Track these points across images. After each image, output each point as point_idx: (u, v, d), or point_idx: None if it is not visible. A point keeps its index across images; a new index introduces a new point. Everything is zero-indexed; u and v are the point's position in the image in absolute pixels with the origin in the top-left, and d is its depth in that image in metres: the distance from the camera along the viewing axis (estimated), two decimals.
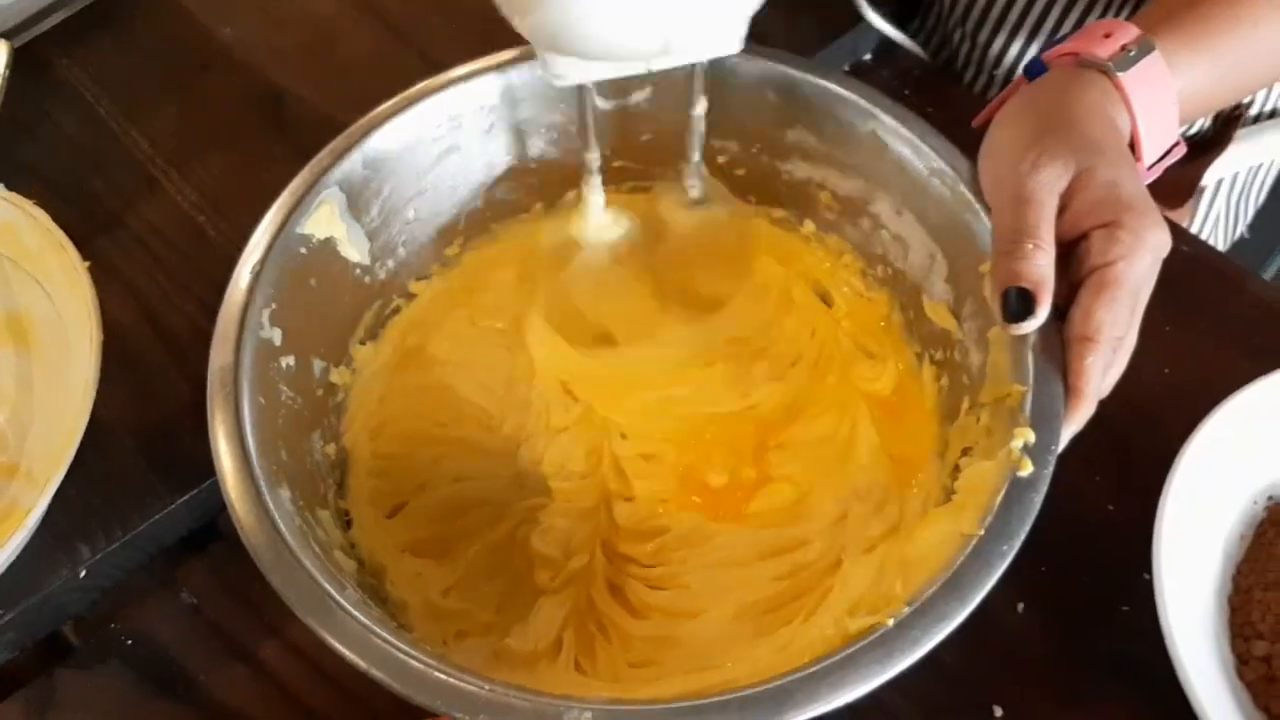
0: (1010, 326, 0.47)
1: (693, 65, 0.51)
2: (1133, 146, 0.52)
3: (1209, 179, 0.81)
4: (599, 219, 0.57)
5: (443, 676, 0.41)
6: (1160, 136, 0.53)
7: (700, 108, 0.53)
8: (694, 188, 0.58)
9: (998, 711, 0.53)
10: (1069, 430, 0.47)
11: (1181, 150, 0.56)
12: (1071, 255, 0.48)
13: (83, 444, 0.52)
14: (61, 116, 0.74)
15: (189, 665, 0.55)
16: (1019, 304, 0.46)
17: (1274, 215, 0.92)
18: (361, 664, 0.42)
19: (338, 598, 0.43)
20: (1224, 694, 0.50)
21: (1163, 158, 0.55)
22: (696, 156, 0.56)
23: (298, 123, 0.74)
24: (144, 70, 0.77)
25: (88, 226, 0.61)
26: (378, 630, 0.42)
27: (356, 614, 0.43)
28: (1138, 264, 0.46)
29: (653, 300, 0.60)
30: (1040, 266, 0.46)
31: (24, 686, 0.55)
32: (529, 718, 0.40)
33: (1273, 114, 0.81)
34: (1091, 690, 0.53)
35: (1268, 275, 0.91)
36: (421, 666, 0.41)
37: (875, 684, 0.41)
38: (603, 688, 0.49)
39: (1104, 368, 0.47)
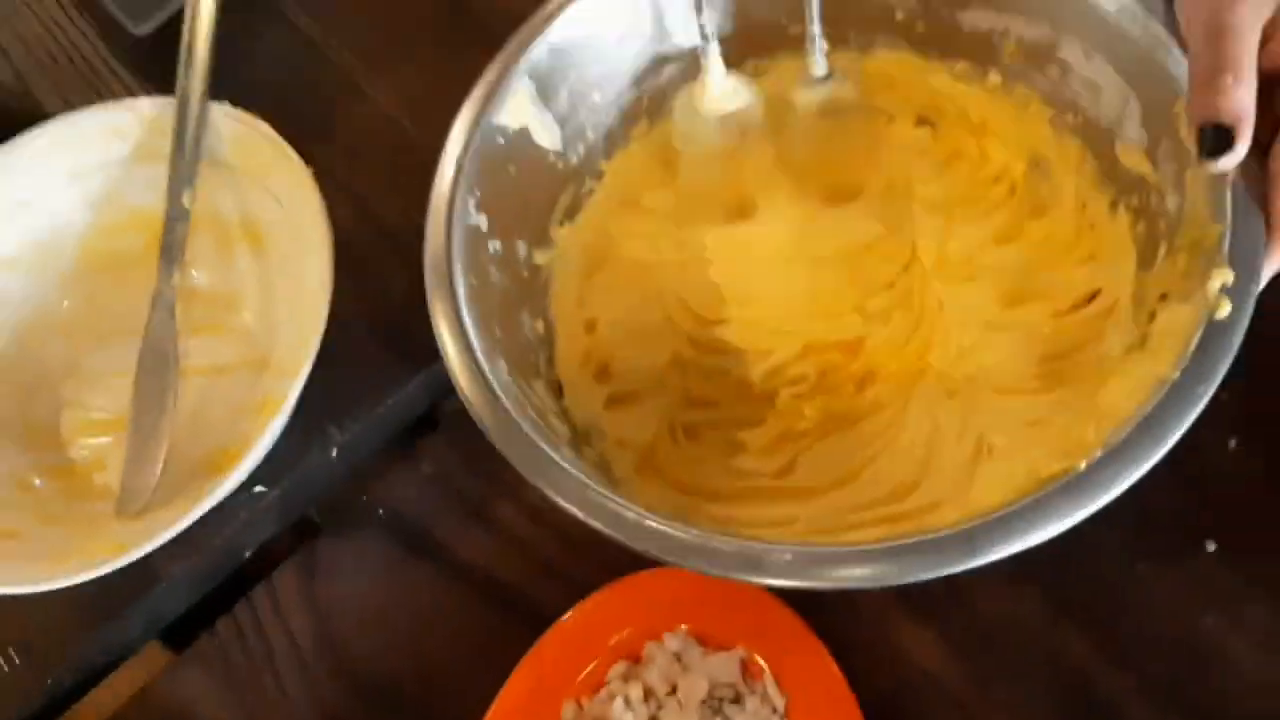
0: (1208, 163, 0.45)
1: None
2: None
3: None
4: (721, 87, 0.58)
5: (653, 524, 0.44)
6: None
7: None
8: (817, 65, 0.57)
9: (1210, 546, 0.53)
10: (1270, 268, 0.46)
11: None
12: (1273, 91, 0.46)
13: (324, 336, 0.58)
14: (270, 36, 0.79)
15: (436, 529, 0.61)
16: (1216, 139, 0.45)
17: None
18: (580, 514, 0.45)
19: (554, 456, 0.47)
20: None
21: None
22: (816, 29, 0.55)
23: (487, 20, 0.76)
24: None
25: (302, 136, 0.65)
26: (593, 485, 0.46)
27: (573, 470, 0.47)
28: None
29: (784, 177, 0.61)
30: (1239, 100, 0.45)
31: (294, 554, 0.62)
32: (734, 559, 0.43)
33: None
34: None
35: None
36: (634, 516, 0.45)
37: (1065, 526, 0.42)
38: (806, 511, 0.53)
39: None
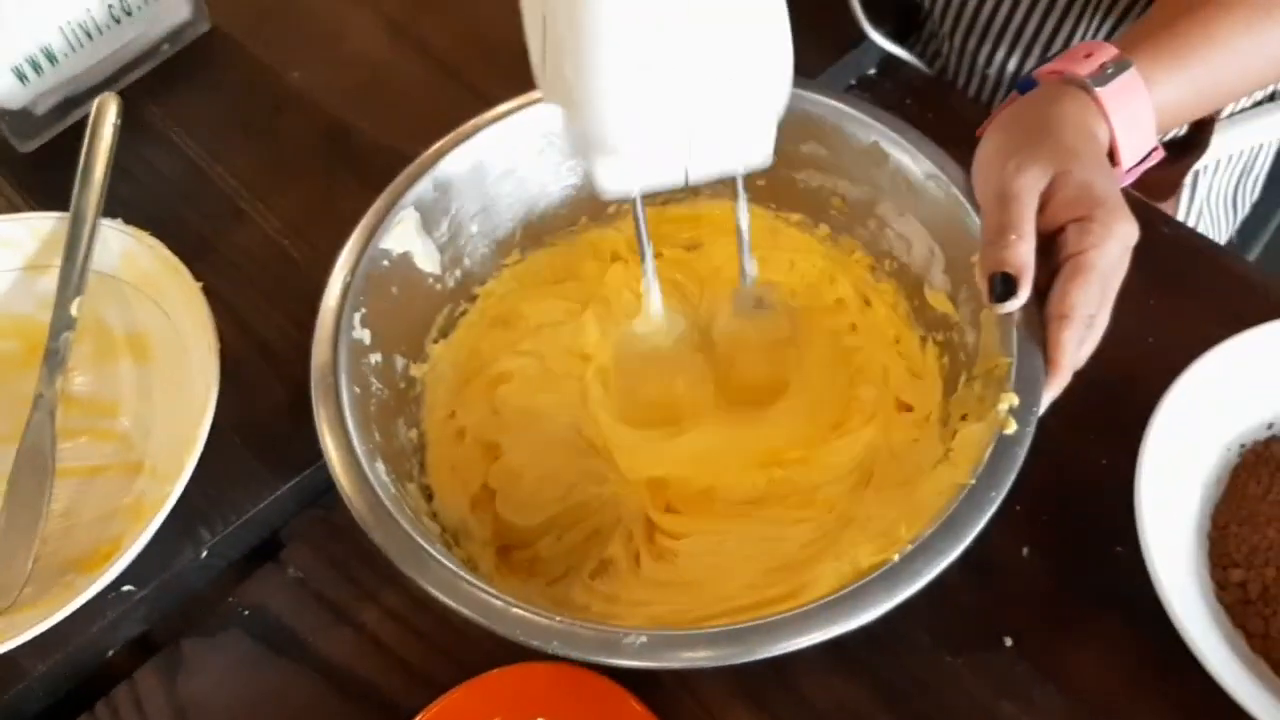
0: (996, 306, 0.54)
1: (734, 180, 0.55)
2: (1111, 154, 0.59)
3: (1197, 168, 0.87)
4: (656, 319, 0.61)
5: (520, 612, 0.49)
6: (1137, 143, 0.60)
7: (744, 215, 0.57)
8: (747, 295, 0.62)
9: (1008, 641, 0.60)
10: (1048, 396, 0.54)
11: (1160, 155, 0.62)
12: (1050, 246, 0.55)
13: None
14: (155, 158, 0.82)
15: (299, 630, 0.63)
16: (1003, 287, 0.54)
17: (1266, 203, 0.98)
18: (452, 604, 0.50)
19: (430, 550, 0.51)
20: (1205, 616, 0.57)
21: (1141, 162, 0.61)
22: (748, 265, 0.59)
23: (363, 153, 0.82)
24: (224, 113, 0.86)
25: (186, 254, 0.68)
26: (464, 576, 0.50)
27: (446, 563, 0.51)
28: (1107, 251, 0.53)
29: (711, 388, 0.65)
30: (1021, 254, 0.54)
31: (156, 654, 0.63)
32: (594, 642, 0.48)
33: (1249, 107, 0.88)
34: (1090, 621, 0.60)
35: (1252, 256, 0.97)
36: (501, 604, 0.49)
37: (885, 609, 0.48)
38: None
39: (1078, 342, 0.54)
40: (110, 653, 0.64)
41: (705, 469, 0.62)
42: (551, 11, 0.47)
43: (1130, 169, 0.61)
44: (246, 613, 0.64)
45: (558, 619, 0.48)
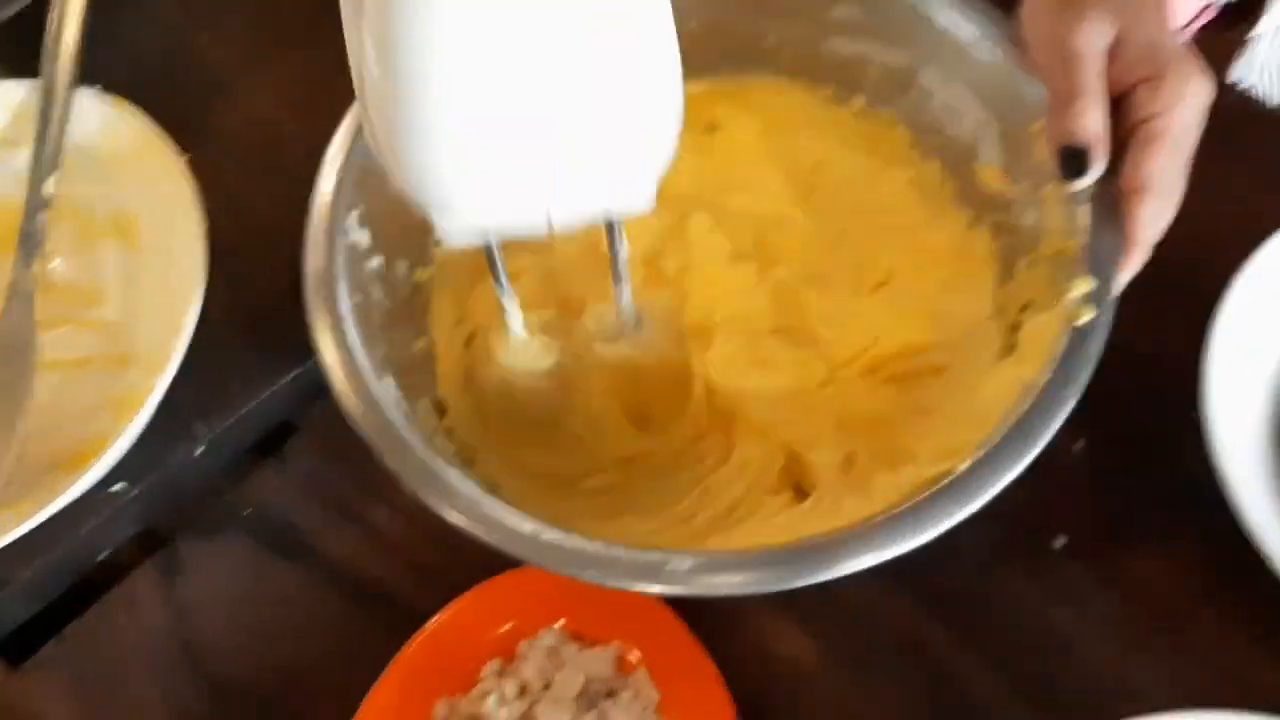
0: (1068, 183, 0.49)
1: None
2: None
3: (1256, 33, 0.81)
4: (526, 351, 0.55)
5: (550, 538, 0.44)
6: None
7: (622, 256, 0.47)
8: (624, 324, 0.54)
9: (1059, 542, 0.56)
10: (1124, 276, 0.49)
11: (1212, 13, 0.56)
12: (1118, 109, 0.49)
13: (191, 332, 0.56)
14: (140, 26, 0.77)
15: (303, 529, 0.60)
16: (1075, 161, 0.48)
17: None
18: (479, 533, 0.45)
19: (449, 474, 0.47)
20: (1275, 515, 0.53)
21: (1193, 20, 0.56)
22: (625, 299, 0.51)
23: None
24: None
25: (172, 130, 0.63)
26: (487, 500, 0.46)
27: (467, 487, 0.46)
28: (1182, 114, 0.48)
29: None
30: (1094, 123, 0.48)
31: (150, 557, 0.60)
32: (633, 569, 0.44)
33: None
34: (1150, 520, 0.57)
35: None
36: (531, 530, 0.45)
37: (949, 525, 0.44)
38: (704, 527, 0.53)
39: (1155, 216, 0.49)
40: (103, 555, 0.60)
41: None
42: (360, 46, 0.37)
43: (1183, 27, 0.55)
44: (247, 512, 0.61)
45: (592, 543, 0.44)
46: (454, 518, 0.46)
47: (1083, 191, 0.49)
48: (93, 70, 0.66)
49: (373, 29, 0.36)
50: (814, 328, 0.59)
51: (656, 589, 0.44)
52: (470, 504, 0.46)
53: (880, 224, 0.61)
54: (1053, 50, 0.50)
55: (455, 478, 0.47)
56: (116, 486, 0.59)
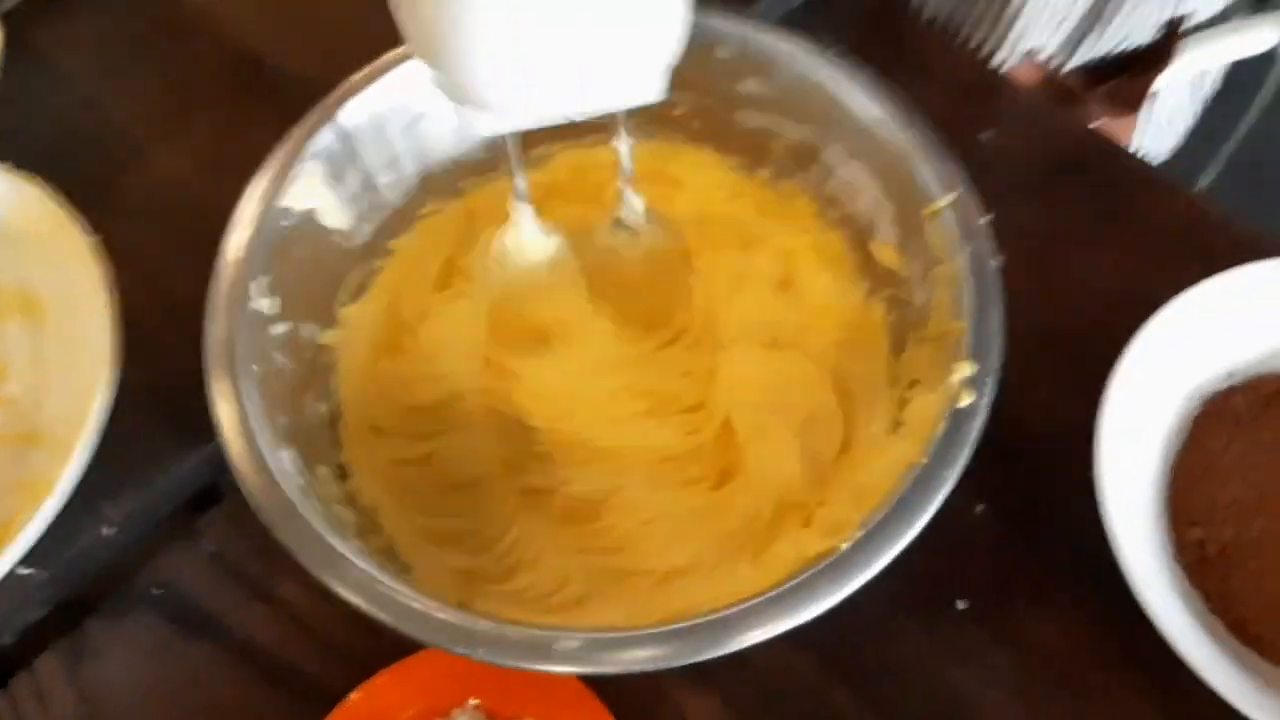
0: None
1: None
2: None
3: (1158, 85, 0.85)
4: (530, 237, 0.58)
5: (442, 616, 0.45)
6: None
7: (625, 145, 0.54)
8: (627, 218, 0.58)
9: (961, 604, 0.58)
10: None
11: None
12: None
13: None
14: (44, 90, 0.76)
15: (214, 608, 0.59)
16: None
17: (1212, 125, 0.96)
18: (368, 608, 0.45)
19: (341, 550, 0.47)
20: (1163, 576, 0.55)
21: None
22: (627, 189, 0.56)
23: (275, 84, 0.76)
24: (120, 38, 0.79)
25: (83, 198, 0.63)
26: (380, 577, 0.46)
27: (360, 563, 0.46)
28: None
29: (589, 308, 0.62)
30: None
31: (60, 638, 0.59)
32: (523, 647, 0.44)
33: (1211, 22, 0.85)
34: (1047, 581, 0.58)
35: (1205, 181, 0.95)
36: (421, 608, 0.45)
37: (833, 602, 0.45)
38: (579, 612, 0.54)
39: None
40: (6, 639, 0.59)
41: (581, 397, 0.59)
42: None
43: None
44: (157, 591, 0.60)
45: (481, 623, 0.45)
46: (345, 593, 0.46)
47: (962, 277, 0.51)
48: (4, 137, 0.65)
49: None
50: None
51: (547, 668, 0.44)
52: (363, 579, 0.46)
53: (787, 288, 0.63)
54: None
55: (351, 551, 0.47)
56: (23, 570, 0.58)
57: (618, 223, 0.58)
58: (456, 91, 0.45)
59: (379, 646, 0.56)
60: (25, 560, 0.57)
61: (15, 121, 0.73)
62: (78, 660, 0.58)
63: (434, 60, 0.44)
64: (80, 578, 0.60)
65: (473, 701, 0.55)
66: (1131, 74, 0.84)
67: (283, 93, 0.74)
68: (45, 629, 0.60)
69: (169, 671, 0.58)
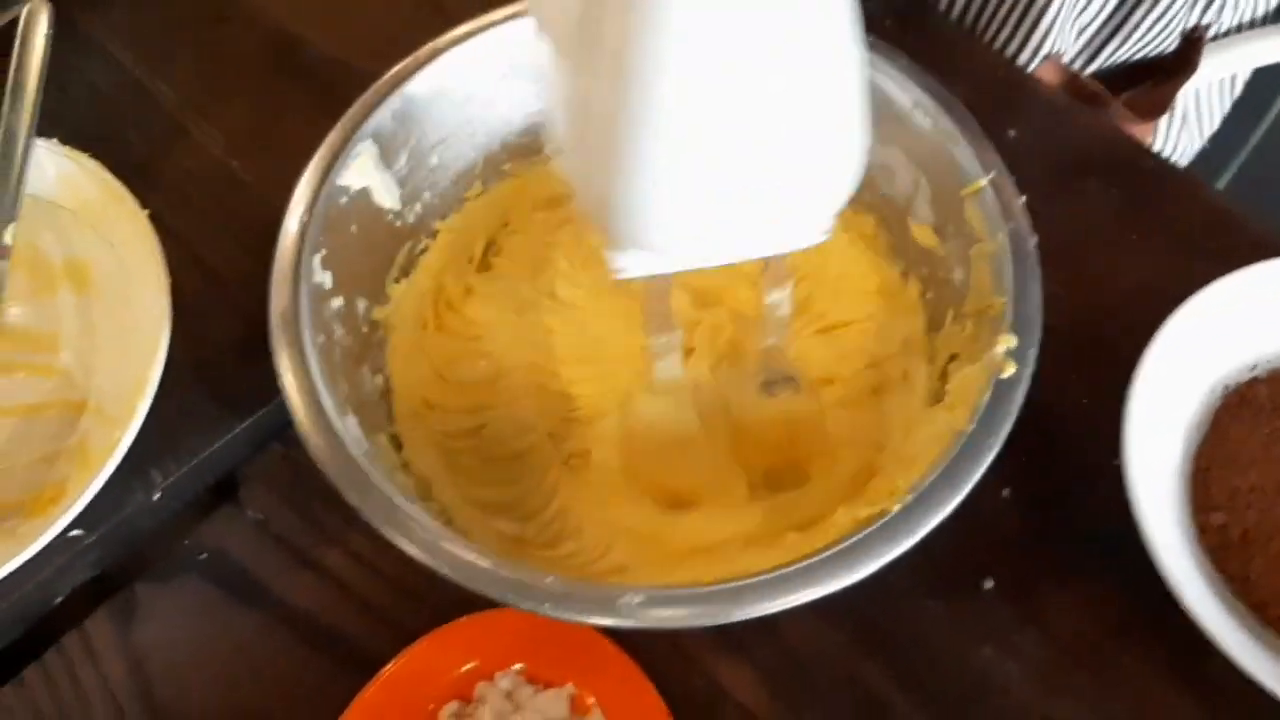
0: None
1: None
2: None
3: (1179, 96, 0.87)
4: (670, 382, 0.57)
5: (508, 574, 0.47)
6: None
7: (783, 294, 0.52)
8: (769, 374, 0.57)
9: (988, 584, 0.59)
10: None
11: None
12: None
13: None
14: (90, 72, 0.78)
15: (259, 574, 0.61)
16: None
17: (1229, 130, 0.98)
18: (438, 567, 0.47)
19: (409, 510, 0.48)
20: (1186, 558, 0.56)
21: None
22: (771, 341, 0.56)
23: (313, 67, 0.78)
24: (162, 22, 0.81)
25: (128, 176, 0.64)
26: (447, 536, 0.48)
27: (428, 522, 0.48)
28: None
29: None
30: None
31: (108, 600, 0.61)
32: (589, 603, 0.46)
33: (1235, 29, 0.87)
34: (1071, 563, 0.59)
35: (1221, 185, 0.97)
36: (490, 565, 0.47)
37: (882, 563, 0.47)
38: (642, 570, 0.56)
39: None
40: (58, 600, 0.61)
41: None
42: (588, 98, 0.40)
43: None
44: (203, 556, 0.62)
45: (549, 578, 0.46)
46: (416, 553, 0.47)
47: (1001, 252, 0.53)
48: (46, 116, 0.67)
49: (609, 71, 0.38)
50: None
51: (608, 622, 0.46)
52: (432, 540, 0.48)
53: (820, 269, 0.65)
54: None
55: (417, 513, 0.49)
56: (74, 532, 0.59)
57: (764, 384, 0.58)
58: (620, 235, 0.44)
59: (421, 612, 0.58)
60: (75, 523, 0.58)
61: (62, 103, 0.74)
62: (127, 621, 0.60)
63: (597, 201, 0.42)
64: (128, 542, 0.62)
65: (516, 666, 0.56)
66: (1154, 82, 0.86)
67: (318, 76, 0.77)
68: (96, 591, 0.61)
69: (215, 634, 0.59)
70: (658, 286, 0.51)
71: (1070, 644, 0.58)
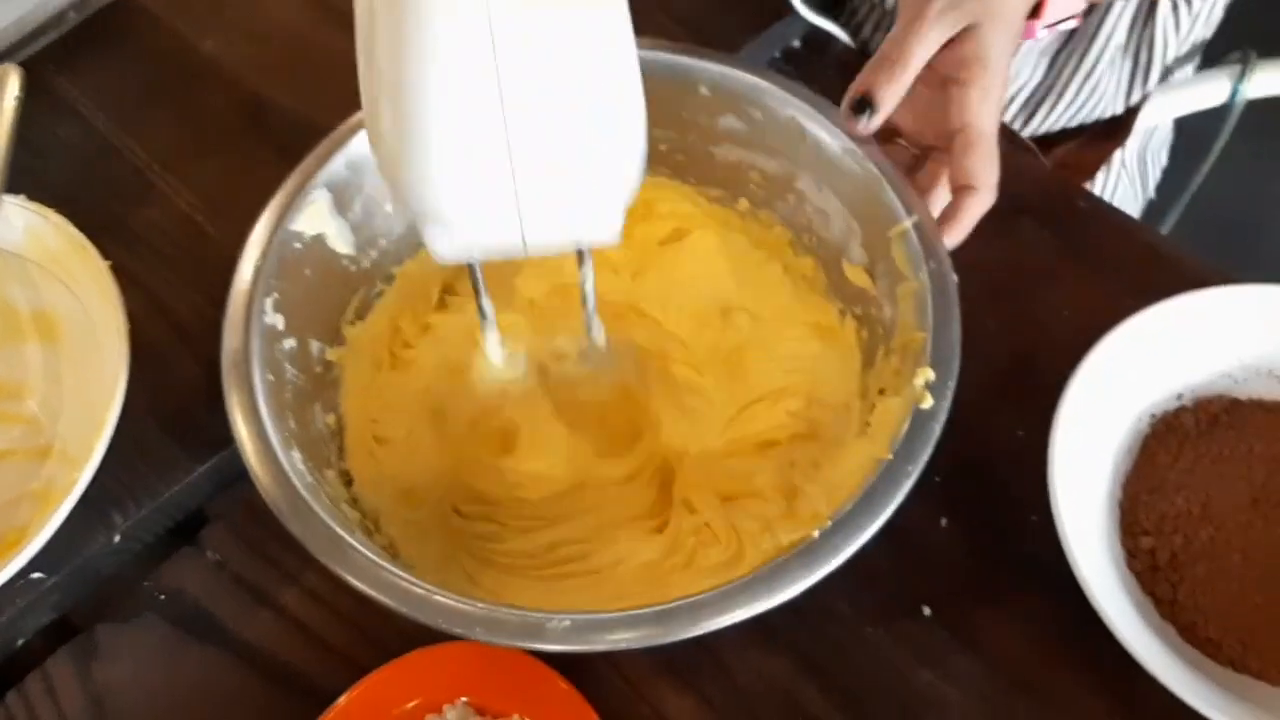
0: (851, 119, 0.58)
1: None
2: (1038, 6, 0.62)
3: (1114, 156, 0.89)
4: (496, 361, 0.60)
5: (441, 599, 0.48)
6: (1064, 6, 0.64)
7: (589, 283, 0.54)
8: (590, 349, 0.59)
9: (926, 611, 0.61)
10: (951, 244, 0.57)
11: (1076, 22, 0.68)
12: (934, 109, 0.58)
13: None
14: (62, 131, 0.81)
15: (217, 613, 0.62)
16: (862, 107, 0.58)
17: (1173, 179, 1.00)
18: (372, 593, 0.49)
19: (348, 539, 0.50)
20: (1116, 583, 0.58)
21: (1057, 23, 0.65)
22: (592, 326, 0.57)
23: (281, 127, 0.80)
24: (134, 84, 0.84)
25: (96, 230, 0.67)
26: (384, 564, 0.50)
27: (365, 552, 0.50)
28: (988, 119, 0.57)
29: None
30: (891, 95, 0.57)
31: (69, 641, 0.62)
32: (517, 629, 0.48)
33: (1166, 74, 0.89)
34: (1007, 589, 0.61)
35: (1166, 229, 0.99)
36: (422, 592, 0.49)
37: (805, 585, 0.48)
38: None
39: (980, 205, 0.58)
40: (20, 642, 0.62)
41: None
42: (376, 81, 0.44)
43: (1049, 25, 0.65)
44: (163, 597, 0.63)
45: (479, 605, 0.48)
46: (352, 580, 0.49)
47: (923, 291, 0.56)
48: (17, 172, 0.69)
49: (382, 73, 0.43)
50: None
51: (539, 646, 0.48)
52: (368, 567, 0.50)
53: (767, 306, 0.67)
54: (908, 16, 0.58)
55: (357, 542, 0.51)
56: (35, 575, 0.61)
57: (582, 353, 0.61)
58: (417, 208, 0.46)
59: (373, 648, 0.59)
60: (35, 565, 0.60)
61: (35, 161, 0.77)
62: (88, 661, 0.61)
63: (398, 183, 0.45)
64: (89, 583, 0.63)
65: (463, 699, 0.58)
66: (1089, 138, 0.88)
67: (286, 135, 0.79)
68: (57, 633, 0.63)
69: (175, 672, 0.61)
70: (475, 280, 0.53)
71: (1007, 668, 0.59)
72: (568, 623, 0.47)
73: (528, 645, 0.48)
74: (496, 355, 0.59)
